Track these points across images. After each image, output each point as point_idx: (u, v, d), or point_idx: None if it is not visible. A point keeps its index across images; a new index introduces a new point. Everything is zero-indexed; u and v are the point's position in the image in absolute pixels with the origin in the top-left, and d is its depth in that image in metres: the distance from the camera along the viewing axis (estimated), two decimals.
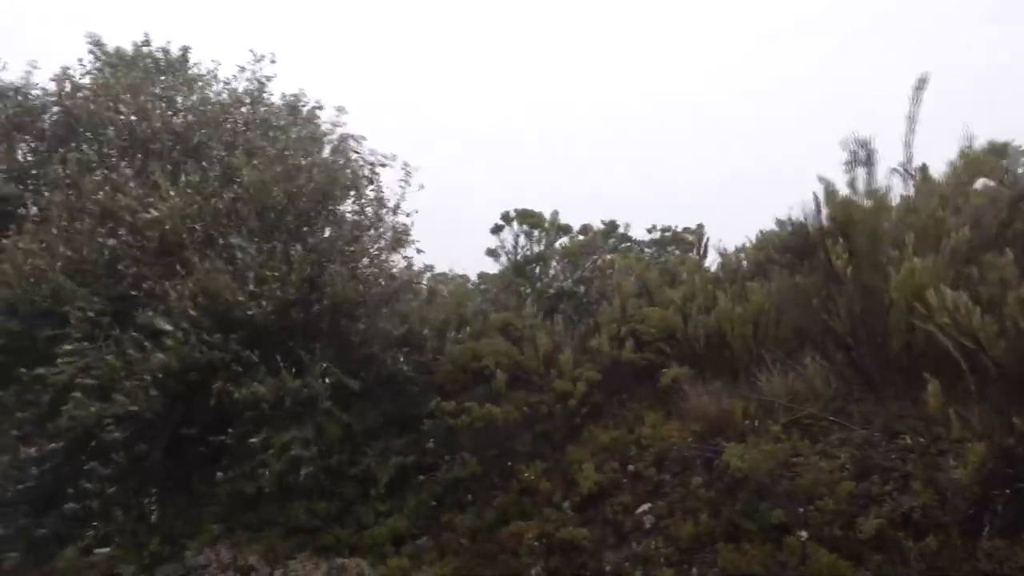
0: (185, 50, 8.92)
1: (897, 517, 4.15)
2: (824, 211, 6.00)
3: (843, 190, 6.03)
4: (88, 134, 7.61)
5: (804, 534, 4.31)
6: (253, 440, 6.17)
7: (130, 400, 5.88)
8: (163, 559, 6.10)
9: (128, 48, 8.60)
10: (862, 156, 5.96)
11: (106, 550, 6.21)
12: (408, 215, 7.95)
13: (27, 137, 7.34)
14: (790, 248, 6.39)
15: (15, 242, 6.28)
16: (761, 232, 7.57)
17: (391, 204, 7.84)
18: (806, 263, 6.15)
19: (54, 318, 6.11)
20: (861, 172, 6.01)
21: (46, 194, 6.75)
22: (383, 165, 7.73)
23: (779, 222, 6.70)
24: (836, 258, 5.53)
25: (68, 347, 5.95)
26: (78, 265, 6.27)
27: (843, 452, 4.74)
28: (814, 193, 6.10)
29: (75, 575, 6.14)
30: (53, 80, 7.93)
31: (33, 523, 6.45)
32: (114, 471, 6.03)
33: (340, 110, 8.22)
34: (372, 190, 7.76)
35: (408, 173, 7.72)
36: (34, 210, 6.79)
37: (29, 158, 7.19)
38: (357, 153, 7.93)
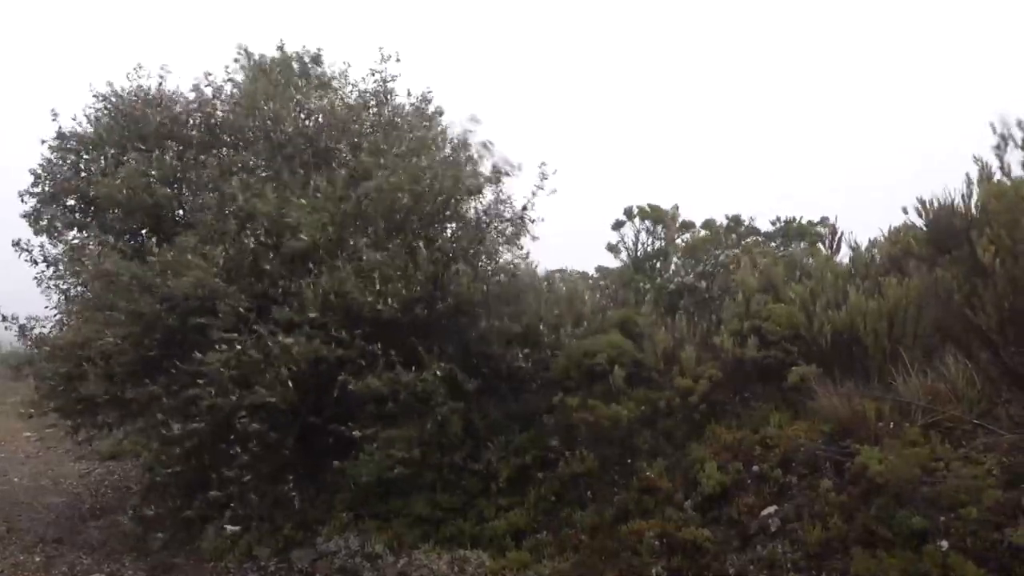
0: (319, 52, 8.97)
1: None
2: (973, 197, 5.60)
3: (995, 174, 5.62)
4: (228, 138, 8.04)
5: (945, 544, 4.04)
6: (356, 433, 6.38)
7: (268, 392, 6.22)
8: (297, 543, 6.44)
9: (265, 53, 8.73)
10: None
11: (239, 528, 6.61)
12: (533, 221, 7.85)
13: (175, 144, 7.72)
14: (933, 239, 5.99)
15: (174, 249, 6.71)
16: (892, 226, 7.19)
17: (518, 205, 7.79)
18: (948, 256, 5.75)
19: (205, 313, 6.51)
20: (1017, 155, 5.58)
21: (190, 198, 7.19)
22: (507, 174, 7.63)
23: (919, 210, 6.27)
24: (983, 250, 5.13)
25: (222, 334, 6.32)
26: (226, 264, 6.67)
27: (990, 458, 4.41)
28: (967, 174, 5.72)
29: (216, 556, 6.58)
30: (192, 90, 8.37)
31: (182, 505, 6.96)
32: (250, 459, 6.39)
33: (473, 119, 8.00)
34: (494, 191, 7.74)
35: (544, 176, 7.56)
36: (179, 212, 7.28)
37: (176, 163, 7.60)
38: (483, 156, 7.88)
